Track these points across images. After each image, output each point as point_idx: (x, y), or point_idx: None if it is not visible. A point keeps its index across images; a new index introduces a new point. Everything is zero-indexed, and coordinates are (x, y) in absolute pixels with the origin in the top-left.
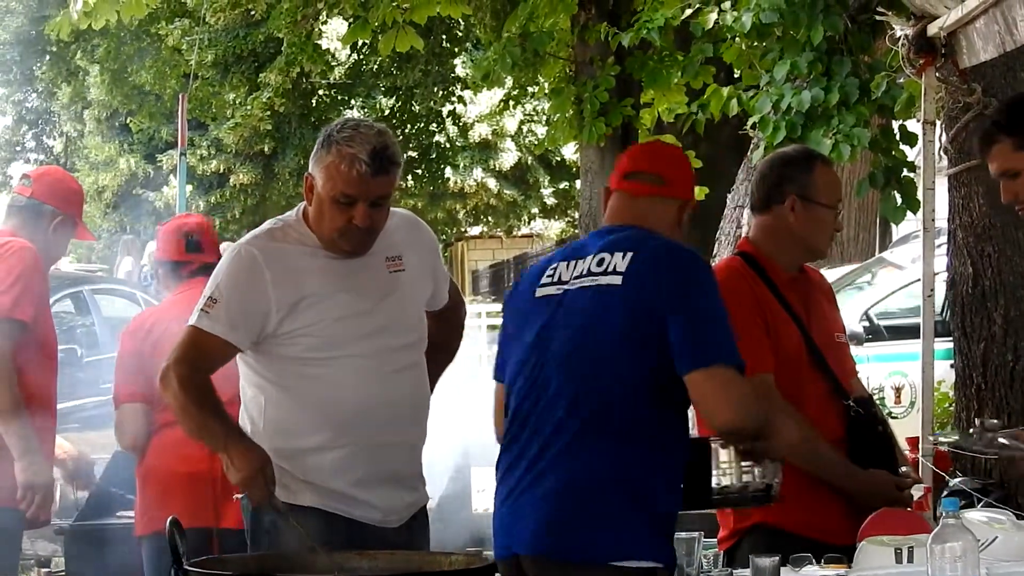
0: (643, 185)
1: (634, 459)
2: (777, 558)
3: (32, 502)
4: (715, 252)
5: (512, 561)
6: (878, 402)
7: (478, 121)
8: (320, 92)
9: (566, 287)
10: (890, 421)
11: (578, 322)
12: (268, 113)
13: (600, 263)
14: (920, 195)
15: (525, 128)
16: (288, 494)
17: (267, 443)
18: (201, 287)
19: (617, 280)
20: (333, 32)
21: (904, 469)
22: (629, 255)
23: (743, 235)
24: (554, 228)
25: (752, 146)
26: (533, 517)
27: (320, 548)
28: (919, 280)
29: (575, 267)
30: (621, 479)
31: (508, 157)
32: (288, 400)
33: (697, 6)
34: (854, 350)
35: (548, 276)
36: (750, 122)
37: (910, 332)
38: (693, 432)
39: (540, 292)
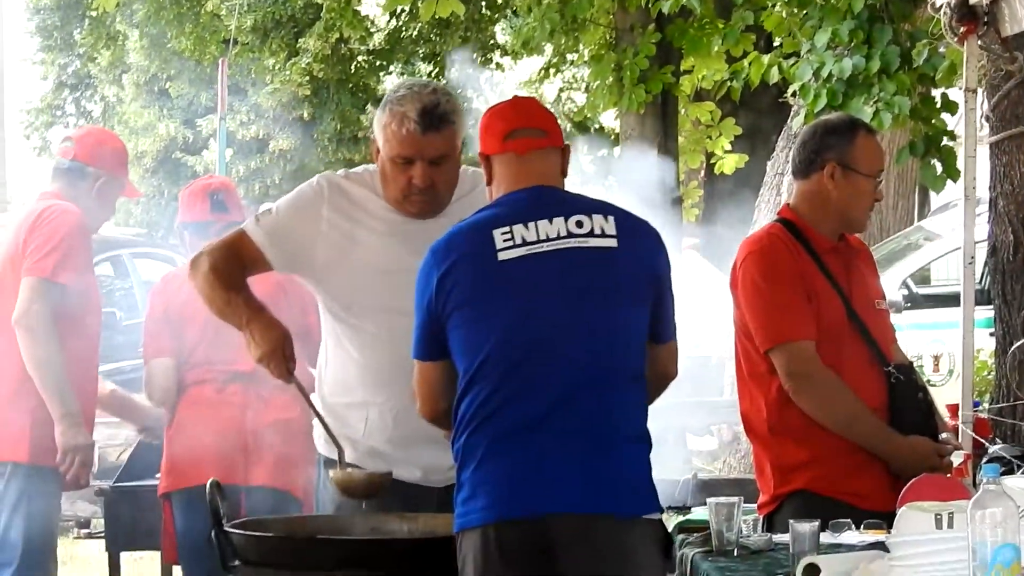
0: (531, 140)
1: (644, 415)
2: (816, 523)
3: (72, 464)
4: (755, 219)
5: (539, 522)
6: (917, 370)
7: (517, 90)
8: (359, 58)
9: (542, 248)
10: (929, 389)
11: (582, 283)
12: (307, 79)
13: (579, 224)
14: (961, 163)
15: (564, 96)
16: (331, 449)
17: (323, 397)
18: None
19: (612, 243)
20: None
21: (944, 436)
22: (611, 218)
23: (783, 202)
24: (592, 195)
25: (792, 113)
26: (573, 474)
27: (361, 510)
28: (958, 248)
29: (540, 229)
30: (639, 435)
31: None
32: (336, 354)
33: None
34: (894, 318)
35: (505, 240)
36: (790, 90)
37: (949, 300)
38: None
39: (505, 256)
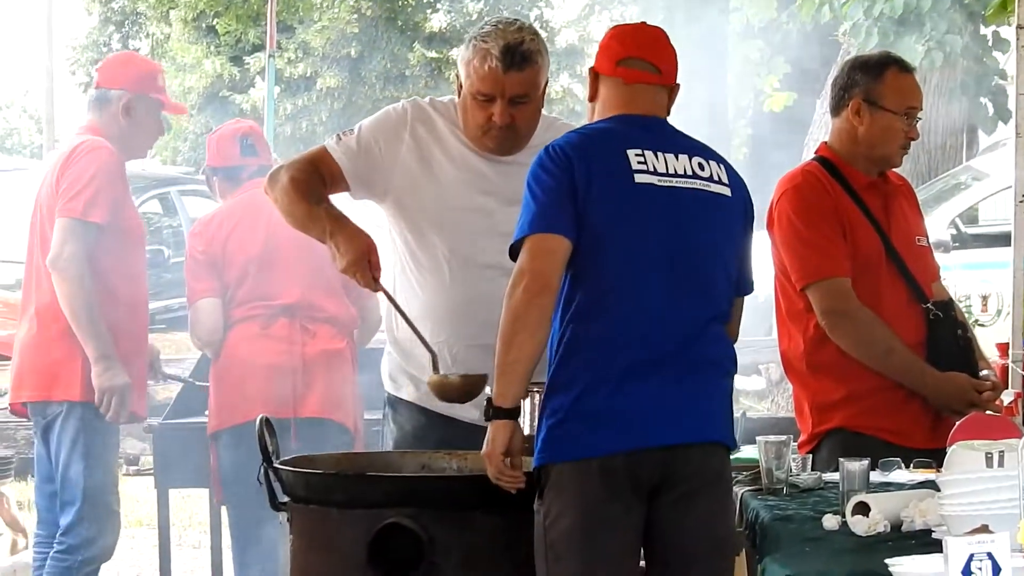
0: (642, 73)
1: (735, 357)
2: (866, 461)
3: (109, 405)
4: (803, 158)
5: (663, 452)
6: (965, 310)
7: (565, 27)
8: None
9: (673, 183)
10: (977, 329)
11: (705, 226)
12: (355, 16)
13: (701, 167)
14: (1011, 103)
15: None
16: (395, 386)
17: (391, 330)
18: (260, 187)
19: (727, 191)
20: None
21: (984, 373)
22: (722, 166)
23: None
24: None
25: (842, 52)
26: (691, 407)
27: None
28: (1007, 188)
29: (668, 162)
30: (732, 375)
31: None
32: (402, 286)
33: None
34: (941, 258)
35: (639, 162)
36: (841, 29)
37: (998, 240)
38: None
39: (641, 179)
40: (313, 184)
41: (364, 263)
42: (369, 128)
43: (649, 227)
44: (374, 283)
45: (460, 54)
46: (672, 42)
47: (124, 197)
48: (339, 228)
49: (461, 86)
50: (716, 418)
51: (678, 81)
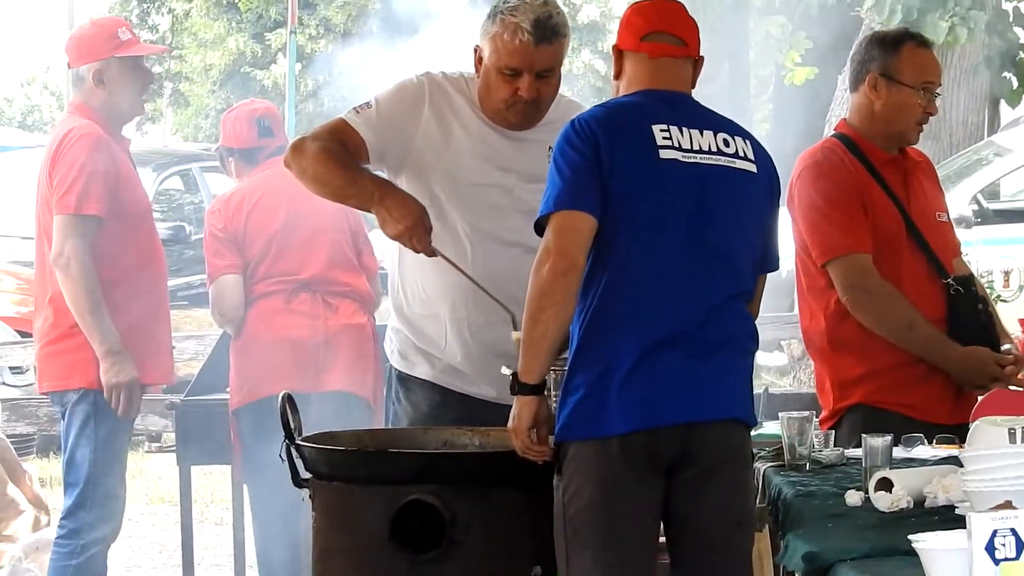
0: (667, 46)
1: (755, 336)
2: (889, 437)
3: (119, 401)
4: (825, 133)
5: (681, 430)
6: (986, 286)
7: (586, 2)
8: None
9: (697, 159)
10: (998, 305)
11: (728, 202)
12: None
13: (726, 143)
14: None
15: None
16: (407, 364)
17: (399, 307)
18: (278, 165)
19: (752, 168)
20: None
21: (1006, 347)
22: (748, 142)
23: None
24: None
25: (863, 28)
26: (713, 384)
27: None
28: None
29: (693, 138)
30: (752, 352)
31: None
32: (415, 263)
33: None
34: (963, 234)
35: (664, 138)
36: (866, 6)
37: (1020, 216)
38: None
39: (665, 155)
40: (344, 152)
41: (421, 228)
42: (387, 101)
43: (672, 203)
44: (431, 248)
45: (484, 28)
46: (693, 16)
47: (120, 178)
48: (389, 194)
49: (481, 60)
50: (736, 395)
51: (702, 54)
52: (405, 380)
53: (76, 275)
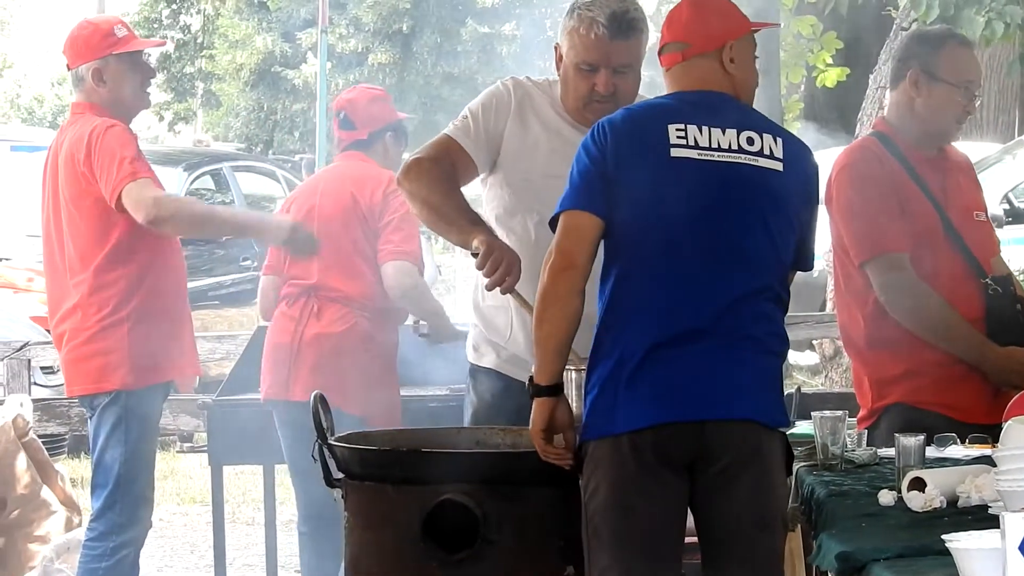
0: (672, 55)
1: (783, 336)
2: (922, 437)
3: (299, 240)
4: (857, 133)
5: (693, 428)
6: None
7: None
8: None
9: (712, 157)
10: None
11: (745, 201)
12: None
13: (750, 141)
14: None
15: (664, 9)
16: (476, 356)
17: (476, 302)
18: (354, 158)
19: (779, 166)
20: None
21: None
22: (779, 140)
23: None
24: None
25: (895, 26)
26: (729, 383)
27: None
28: None
29: (712, 136)
30: (778, 352)
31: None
32: None
33: None
34: None
35: (679, 137)
36: (901, 3)
37: None
38: None
39: (677, 153)
40: (449, 179)
41: (511, 277)
42: (481, 108)
43: (684, 201)
44: (514, 290)
45: (562, 24)
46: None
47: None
48: (484, 238)
49: (561, 58)
50: (753, 396)
51: (727, 40)
52: (475, 371)
53: (177, 214)
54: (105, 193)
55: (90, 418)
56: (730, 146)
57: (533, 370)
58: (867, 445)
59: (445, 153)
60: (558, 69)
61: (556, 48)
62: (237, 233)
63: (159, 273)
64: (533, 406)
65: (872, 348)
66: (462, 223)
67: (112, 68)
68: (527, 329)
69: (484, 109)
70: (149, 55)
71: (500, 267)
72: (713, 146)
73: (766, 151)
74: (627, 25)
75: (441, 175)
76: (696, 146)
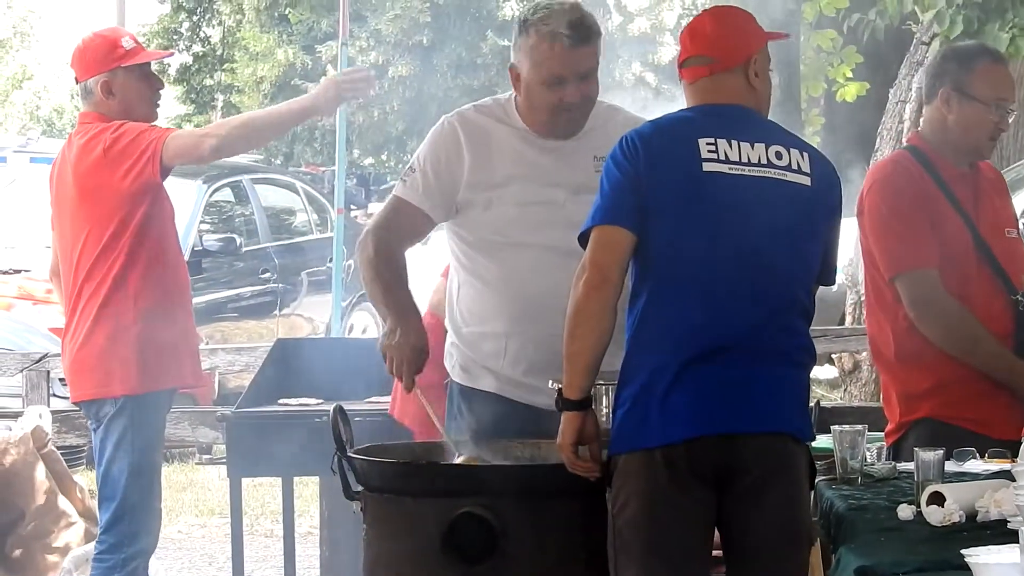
0: (697, 69)
1: (810, 350)
2: (941, 451)
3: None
4: (876, 147)
5: (725, 441)
6: None
7: (638, 15)
8: None
9: (743, 171)
10: None
11: (775, 216)
12: (427, 5)
13: (778, 156)
14: None
15: (684, 23)
16: (470, 378)
17: (456, 327)
18: None
19: (806, 181)
20: None
21: None
22: (806, 155)
23: (905, 130)
24: None
25: (916, 41)
26: (759, 396)
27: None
28: None
29: (742, 151)
30: (806, 365)
31: (666, 51)
32: (473, 284)
33: None
34: None
35: (710, 151)
36: (925, 17)
37: None
38: None
39: (709, 168)
40: (394, 254)
41: (409, 365)
42: (428, 155)
43: (715, 216)
44: (411, 385)
45: (519, 45)
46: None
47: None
48: (402, 320)
49: (519, 77)
50: (783, 408)
51: (752, 54)
52: (468, 393)
53: (226, 126)
54: (140, 166)
55: (95, 430)
56: (760, 160)
57: (561, 384)
58: (895, 460)
59: (396, 219)
60: (516, 89)
61: (511, 69)
62: (290, 120)
63: (164, 281)
64: (562, 419)
65: (901, 362)
66: (386, 306)
67: (120, 81)
68: (524, 352)
69: (434, 159)
70: (169, 64)
71: (393, 366)
72: (743, 160)
73: (794, 166)
74: (586, 30)
75: (383, 252)
76: (727, 160)
